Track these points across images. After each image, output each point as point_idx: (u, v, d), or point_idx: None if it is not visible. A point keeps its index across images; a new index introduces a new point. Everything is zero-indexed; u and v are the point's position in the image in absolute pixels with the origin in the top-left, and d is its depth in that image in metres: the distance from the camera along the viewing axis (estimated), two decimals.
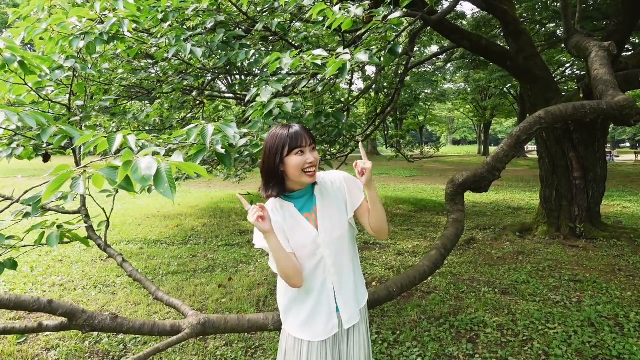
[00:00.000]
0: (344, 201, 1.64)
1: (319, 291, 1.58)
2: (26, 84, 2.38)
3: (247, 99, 2.64)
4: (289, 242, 1.55)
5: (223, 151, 1.84)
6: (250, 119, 2.50)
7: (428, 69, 27.44)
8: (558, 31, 15.19)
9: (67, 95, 2.81)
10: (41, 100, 2.77)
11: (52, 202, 2.32)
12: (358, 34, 3.68)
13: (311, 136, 1.55)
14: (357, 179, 1.63)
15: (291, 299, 1.63)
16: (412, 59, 6.73)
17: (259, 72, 5.02)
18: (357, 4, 2.42)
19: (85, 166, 1.25)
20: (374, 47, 2.77)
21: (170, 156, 1.33)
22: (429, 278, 3.84)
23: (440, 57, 20.50)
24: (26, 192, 1.72)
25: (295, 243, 1.55)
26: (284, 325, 1.66)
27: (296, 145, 1.49)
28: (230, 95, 6.44)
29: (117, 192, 2.73)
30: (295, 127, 1.53)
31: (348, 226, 1.64)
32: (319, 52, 2.18)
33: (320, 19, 2.99)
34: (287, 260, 1.48)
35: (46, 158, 2.74)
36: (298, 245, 1.55)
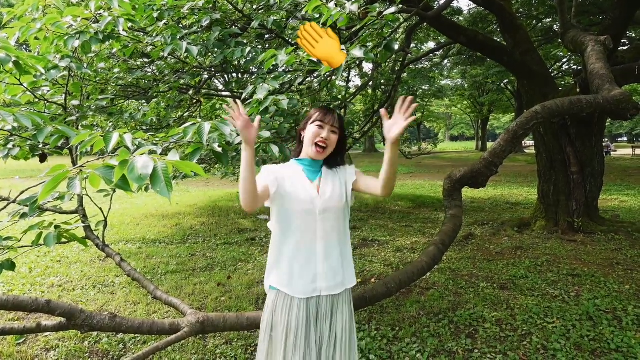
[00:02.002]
0: (345, 181, 1.79)
1: (306, 250, 1.70)
2: (21, 84, 2.36)
3: (243, 96, 2.63)
4: (288, 192, 1.68)
5: (220, 149, 1.83)
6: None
7: (425, 66, 27.38)
8: (554, 26, 15.19)
9: (63, 95, 2.79)
10: (37, 100, 2.75)
11: (50, 202, 2.31)
12: (353, 30, 3.67)
13: (339, 121, 1.74)
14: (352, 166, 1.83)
15: (280, 253, 1.73)
16: (409, 55, 6.73)
17: (255, 70, 5.02)
18: (352, 0, 2.41)
19: (81, 166, 1.25)
20: (369, 43, 2.76)
21: (167, 155, 1.32)
22: (428, 274, 3.85)
23: (437, 53, 20.49)
24: (22, 192, 1.71)
25: (294, 194, 1.69)
26: (267, 280, 1.78)
27: (320, 119, 1.71)
28: (227, 93, 6.43)
29: (114, 191, 2.72)
30: (331, 111, 1.75)
31: (344, 205, 1.76)
32: None
33: (317, 16, 2.98)
34: (250, 176, 1.53)
35: (43, 158, 2.73)
36: (295, 197, 1.68)
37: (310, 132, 1.72)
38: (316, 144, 1.71)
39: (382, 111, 1.57)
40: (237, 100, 1.58)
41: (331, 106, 3.88)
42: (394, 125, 1.51)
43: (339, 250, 1.76)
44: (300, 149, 1.81)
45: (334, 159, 1.82)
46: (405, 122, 1.49)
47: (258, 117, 1.56)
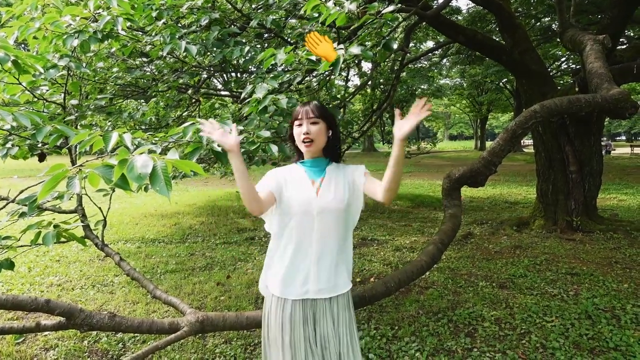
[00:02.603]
0: (351, 181, 1.76)
1: (301, 252, 1.69)
2: (20, 84, 2.36)
3: (242, 96, 2.63)
4: (287, 193, 1.69)
5: (220, 149, 1.83)
6: (246, 116, 2.50)
7: (424, 65, 27.38)
8: (553, 25, 15.21)
9: (62, 95, 2.79)
10: (36, 99, 2.75)
11: (49, 201, 2.31)
12: (352, 28, 3.67)
13: (316, 110, 1.70)
14: (360, 169, 1.79)
15: (275, 254, 1.75)
16: (408, 54, 6.73)
17: (254, 69, 5.02)
18: None
19: (80, 165, 1.25)
20: (368, 42, 2.76)
21: (166, 154, 1.33)
22: (427, 273, 3.86)
23: (435, 52, 20.49)
24: (22, 191, 1.71)
25: (293, 194, 1.69)
26: (262, 281, 1.81)
27: (296, 117, 1.72)
28: (226, 93, 6.43)
29: (113, 191, 2.73)
30: (307, 104, 1.72)
31: (345, 207, 1.72)
32: None
33: (315, 15, 2.98)
34: (246, 183, 1.55)
35: (42, 158, 2.73)
36: (294, 198, 1.68)
37: (294, 133, 1.73)
38: (302, 142, 1.70)
39: (397, 111, 1.55)
40: (205, 121, 1.60)
41: (330, 105, 3.88)
42: (405, 122, 1.51)
43: (336, 254, 1.72)
44: (298, 151, 1.81)
45: (333, 151, 1.79)
46: (417, 119, 1.49)
47: (234, 125, 1.59)
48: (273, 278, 1.73)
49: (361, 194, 1.75)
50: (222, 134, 1.55)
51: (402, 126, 1.50)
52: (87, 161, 1.33)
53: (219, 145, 1.86)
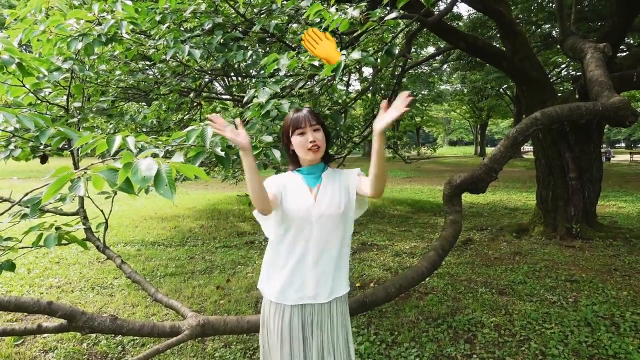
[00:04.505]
0: (347, 186, 1.77)
1: (298, 257, 1.69)
2: (24, 86, 2.37)
3: (244, 100, 2.64)
4: (286, 201, 1.69)
5: (222, 153, 1.84)
6: (248, 120, 2.51)
7: (425, 70, 27.51)
8: (554, 32, 15.28)
9: (65, 97, 2.80)
10: (39, 102, 2.76)
11: (51, 203, 2.32)
12: (355, 34, 3.69)
13: (315, 117, 1.71)
14: (355, 172, 1.80)
15: (273, 260, 1.75)
16: (409, 60, 6.75)
17: (256, 73, 5.03)
18: (354, 6, 2.43)
19: (86, 168, 1.26)
20: (370, 48, 2.78)
21: (169, 158, 1.33)
22: (427, 279, 3.85)
23: (436, 58, 20.58)
24: (27, 193, 1.72)
25: (291, 202, 1.69)
26: (260, 286, 1.80)
27: (297, 127, 1.69)
28: (228, 97, 6.45)
29: (115, 194, 2.73)
30: (302, 111, 1.72)
31: (343, 212, 1.73)
32: None
33: (318, 20, 3.00)
34: (257, 182, 1.56)
35: (44, 159, 2.74)
36: (293, 206, 1.69)
37: (297, 142, 1.70)
38: (309, 149, 1.69)
39: (383, 103, 1.49)
40: (213, 115, 1.58)
41: (330, 110, 3.89)
42: (387, 115, 1.46)
43: (334, 259, 1.73)
44: (294, 160, 1.80)
45: (327, 154, 1.80)
46: (397, 113, 1.44)
47: (238, 120, 1.56)
48: (272, 284, 1.73)
49: (355, 197, 1.75)
50: (234, 131, 1.52)
51: (383, 119, 1.46)
52: (92, 164, 1.33)
53: (221, 150, 1.87)
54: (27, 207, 1.87)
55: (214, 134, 1.77)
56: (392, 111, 1.45)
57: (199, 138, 1.74)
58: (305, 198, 1.70)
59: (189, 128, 1.78)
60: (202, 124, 1.83)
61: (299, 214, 1.67)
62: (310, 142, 1.68)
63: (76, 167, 2.51)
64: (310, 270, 1.69)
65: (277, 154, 2.09)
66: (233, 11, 3.54)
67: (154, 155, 1.35)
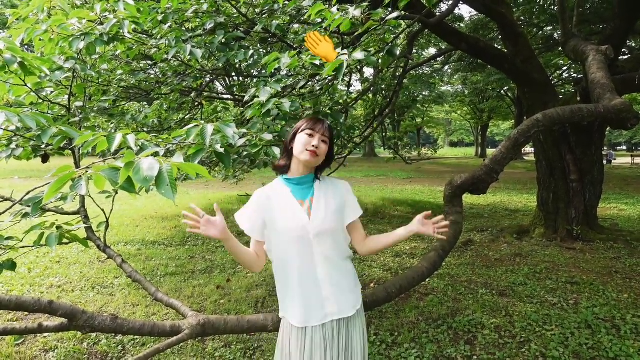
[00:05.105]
0: (342, 206, 1.73)
1: (308, 277, 1.63)
2: (26, 85, 2.37)
3: (245, 99, 2.64)
4: (275, 222, 1.65)
5: (222, 150, 1.84)
6: (249, 119, 2.51)
7: (426, 71, 27.52)
8: (555, 34, 15.27)
9: (67, 96, 2.80)
10: (40, 101, 2.76)
11: (52, 202, 2.32)
12: (356, 34, 3.69)
13: (330, 132, 1.70)
14: (355, 201, 1.79)
15: (283, 284, 1.69)
16: (411, 61, 6.75)
17: (257, 73, 5.04)
18: (355, 6, 2.43)
19: (87, 167, 1.26)
20: (372, 48, 2.78)
21: (170, 156, 1.33)
22: (427, 280, 3.85)
23: (438, 59, 20.57)
24: (28, 192, 1.72)
25: (282, 222, 1.64)
26: (281, 315, 1.72)
27: (310, 127, 1.66)
28: (229, 96, 6.45)
29: (116, 193, 2.73)
30: (321, 120, 1.71)
31: (341, 224, 1.71)
32: None
33: (319, 20, 3.00)
34: (242, 258, 1.66)
35: (45, 159, 2.73)
36: (285, 227, 1.63)
37: (301, 140, 1.65)
38: (308, 150, 1.63)
39: (425, 214, 1.75)
40: (187, 212, 1.57)
41: (332, 110, 3.89)
42: (426, 226, 1.72)
43: (343, 271, 1.69)
44: (287, 163, 1.72)
45: (321, 169, 1.76)
46: (433, 234, 1.71)
47: (215, 204, 1.61)
48: (289, 308, 1.67)
49: (345, 225, 1.75)
50: (206, 225, 1.55)
51: (421, 227, 1.72)
52: (93, 163, 1.33)
53: (221, 147, 1.86)
54: (28, 206, 1.88)
55: (214, 132, 1.77)
56: (430, 229, 1.72)
57: (199, 136, 1.73)
58: (298, 215, 1.63)
59: (189, 126, 1.78)
60: (202, 122, 1.83)
61: (294, 233, 1.62)
62: (313, 145, 1.63)
63: (77, 166, 2.51)
64: (326, 287, 1.63)
65: (276, 152, 2.09)
66: (235, 11, 3.55)
67: (156, 154, 1.35)
